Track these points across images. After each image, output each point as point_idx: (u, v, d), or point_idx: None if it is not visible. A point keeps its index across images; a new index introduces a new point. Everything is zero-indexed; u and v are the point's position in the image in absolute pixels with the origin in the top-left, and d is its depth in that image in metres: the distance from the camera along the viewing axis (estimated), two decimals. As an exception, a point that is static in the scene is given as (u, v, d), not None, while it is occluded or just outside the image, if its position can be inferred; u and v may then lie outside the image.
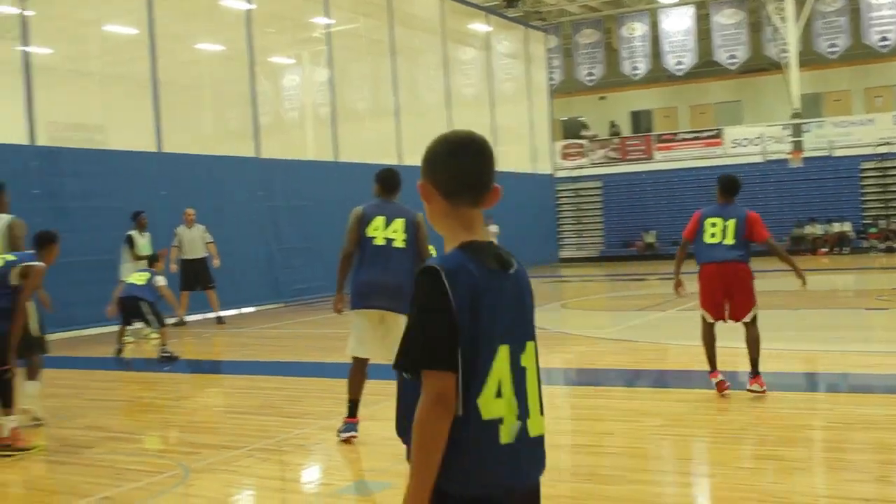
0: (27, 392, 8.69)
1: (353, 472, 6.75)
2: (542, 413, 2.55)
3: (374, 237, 7.18)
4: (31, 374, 8.67)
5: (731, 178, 8.58)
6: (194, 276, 16.94)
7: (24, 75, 16.79)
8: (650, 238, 34.61)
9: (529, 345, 2.53)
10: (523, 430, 2.45)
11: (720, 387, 8.36)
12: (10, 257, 7.90)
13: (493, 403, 2.38)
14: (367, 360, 7.40)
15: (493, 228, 28.99)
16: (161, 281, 12.96)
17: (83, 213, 16.68)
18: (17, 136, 16.70)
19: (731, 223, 8.27)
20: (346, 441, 7.22)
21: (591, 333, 13.55)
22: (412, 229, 7.29)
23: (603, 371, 10.54)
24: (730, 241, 8.24)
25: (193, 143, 20.37)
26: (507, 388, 2.42)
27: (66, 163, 17.21)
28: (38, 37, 17.45)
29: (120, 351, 13.11)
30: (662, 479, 6.23)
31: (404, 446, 2.45)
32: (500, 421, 2.39)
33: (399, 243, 7.23)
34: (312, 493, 6.46)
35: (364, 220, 7.24)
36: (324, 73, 24.86)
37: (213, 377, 12.27)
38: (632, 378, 9.82)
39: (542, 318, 15.89)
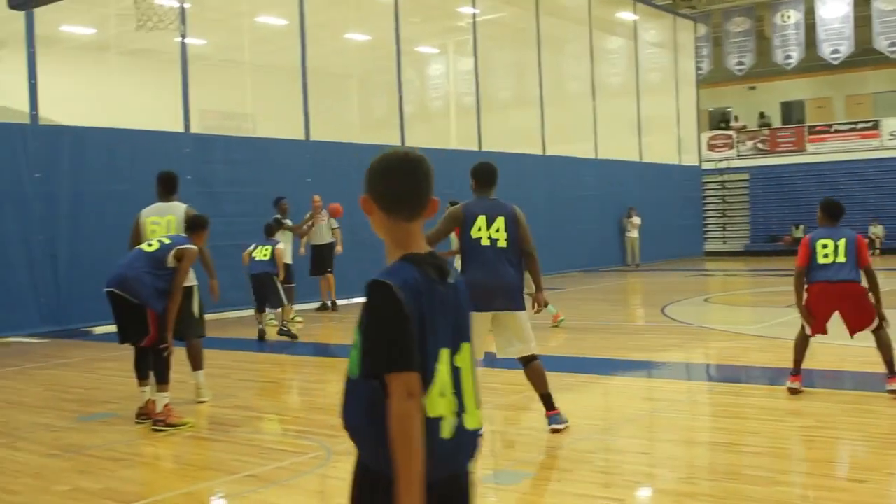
0: (199, 382, 9.10)
1: (495, 461, 6.77)
2: (478, 407, 2.77)
3: (479, 238, 7.19)
4: (196, 363, 9.04)
5: (835, 202, 8.68)
6: (321, 261, 17.37)
7: (180, 65, 17.41)
8: (799, 233, 33.47)
9: (464, 346, 2.73)
10: (460, 425, 2.67)
11: (792, 391, 8.31)
12: (166, 240, 8.21)
13: (438, 402, 2.60)
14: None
15: (636, 220, 28.63)
16: (280, 245, 13.67)
17: (231, 198, 17.23)
18: (172, 123, 17.35)
19: (843, 242, 8.31)
20: None
21: (734, 329, 13.27)
22: (513, 226, 7.28)
23: (746, 368, 10.29)
24: (842, 258, 8.26)
25: (340, 132, 20.75)
26: (448, 389, 2.64)
27: (217, 150, 17.82)
28: (193, 28, 18.04)
29: (262, 333, 13.56)
30: (809, 483, 6.05)
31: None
32: (441, 419, 2.61)
33: (502, 243, 7.24)
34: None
35: (467, 221, 7.24)
36: (468, 63, 24.98)
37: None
38: (776, 376, 9.56)
39: (684, 312, 15.71)
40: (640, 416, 7.89)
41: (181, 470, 6.92)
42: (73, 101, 18.19)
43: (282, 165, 18.45)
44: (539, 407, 7.33)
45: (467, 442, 2.73)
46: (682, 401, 8.77)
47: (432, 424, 2.58)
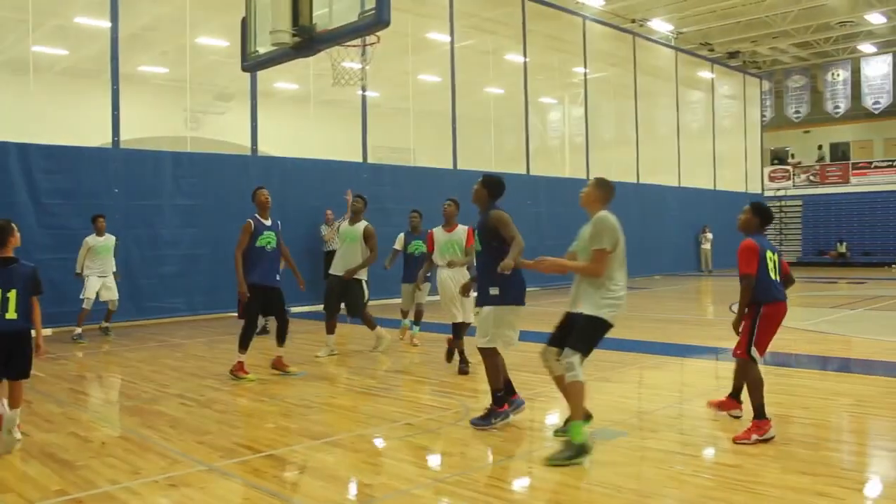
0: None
1: (595, 422, 6.59)
2: (15, 312, 5.40)
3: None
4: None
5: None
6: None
7: (361, 112, 17.75)
8: (842, 248, 32.08)
9: (10, 291, 5.39)
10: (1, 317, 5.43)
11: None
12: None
13: None
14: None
15: (709, 235, 27.86)
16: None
17: (398, 213, 17.33)
18: (353, 155, 17.69)
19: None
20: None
21: (786, 324, 12.72)
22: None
23: (795, 355, 9.84)
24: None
25: (479, 162, 20.80)
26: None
27: (386, 176, 18.05)
28: (371, 84, 18.30)
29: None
30: (852, 450, 5.75)
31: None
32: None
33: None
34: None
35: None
36: (580, 111, 24.66)
37: None
38: (822, 363, 9.14)
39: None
40: (711, 390, 7.65)
41: (356, 417, 6.96)
42: (281, 139, 18.75)
43: (434, 188, 18.58)
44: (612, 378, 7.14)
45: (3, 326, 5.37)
46: (745, 380, 8.45)
47: None
